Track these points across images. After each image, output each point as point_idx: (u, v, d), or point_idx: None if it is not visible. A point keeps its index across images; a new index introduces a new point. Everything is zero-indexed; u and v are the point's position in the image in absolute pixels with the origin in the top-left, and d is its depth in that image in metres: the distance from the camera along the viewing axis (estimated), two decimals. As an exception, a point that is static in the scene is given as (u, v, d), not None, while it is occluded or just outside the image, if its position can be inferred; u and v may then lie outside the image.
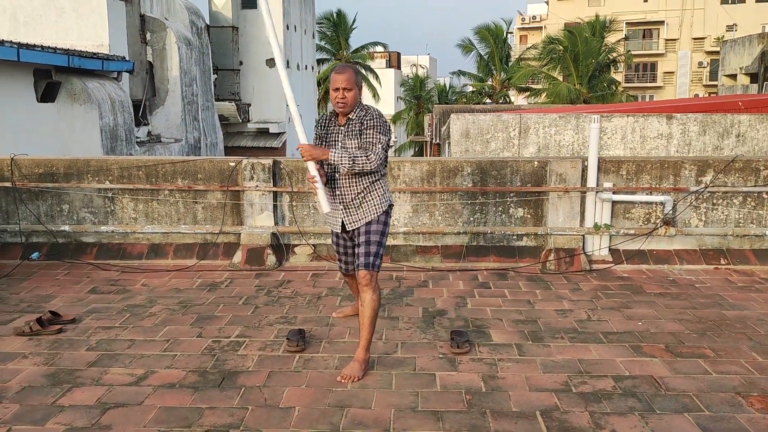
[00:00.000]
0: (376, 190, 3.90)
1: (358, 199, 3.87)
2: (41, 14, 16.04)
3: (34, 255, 6.36)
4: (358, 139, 3.80)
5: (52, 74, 13.26)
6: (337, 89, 3.74)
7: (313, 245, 6.38)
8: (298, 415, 3.33)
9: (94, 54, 14.55)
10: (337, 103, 3.76)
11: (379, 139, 3.76)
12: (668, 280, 5.68)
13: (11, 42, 12.06)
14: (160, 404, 3.45)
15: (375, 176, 3.89)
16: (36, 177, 6.47)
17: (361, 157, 3.69)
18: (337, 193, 3.89)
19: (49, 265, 6.25)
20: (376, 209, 3.89)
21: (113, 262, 6.28)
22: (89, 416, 3.32)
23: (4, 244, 6.53)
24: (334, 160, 3.69)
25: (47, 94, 13.30)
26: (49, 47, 13.12)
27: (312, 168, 3.76)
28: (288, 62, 25.52)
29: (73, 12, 15.93)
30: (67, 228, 6.47)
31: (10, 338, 4.38)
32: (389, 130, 3.85)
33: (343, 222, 3.93)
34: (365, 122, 3.78)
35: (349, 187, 3.86)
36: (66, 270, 6.09)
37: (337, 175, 3.86)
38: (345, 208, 3.90)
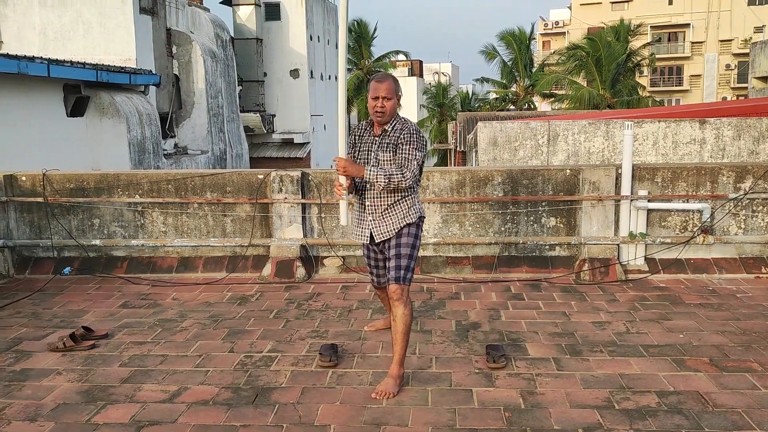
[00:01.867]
0: (405, 201, 3.84)
1: (388, 211, 3.81)
2: (70, 30, 16.32)
3: (66, 270, 6.39)
4: (392, 152, 3.74)
5: (81, 89, 13.44)
6: (376, 98, 3.69)
7: (342, 257, 6.32)
8: (334, 433, 3.27)
9: (122, 68, 14.73)
10: (376, 112, 3.70)
11: (416, 155, 3.70)
12: (708, 290, 5.52)
13: (42, 58, 12.26)
14: (194, 422, 3.41)
15: (407, 190, 3.83)
16: (67, 192, 6.52)
17: (396, 175, 3.64)
18: (368, 204, 3.83)
19: (81, 279, 6.28)
20: (404, 220, 3.82)
21: (144, 276, 6.29)
22: (124, 434, 3.29)
23: (37, 259, 6.58)
24: (369, 178, 3.63)
25: (76, 108, 13.48)
26: (77, 62, 13.31)
27: (343, 179, 3.71)
28: (312, 72, 25.67)
29: (101, 27, 16.18)
30: (98, 242, 6.50)
31: (44, 354, 4.38)
32: (425, 144, 3.79)
33: (371, 234, 3.87)
34: (402, 136, 3.72)
35: (380, 199, 3.80)
36: (97, 284, 6.12)
37: (368, 186, 3.81)
38: (373, 220, 3.83)
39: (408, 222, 3.83)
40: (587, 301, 5.31)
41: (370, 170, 3.63)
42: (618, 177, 5.98)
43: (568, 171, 6.12)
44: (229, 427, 3.36)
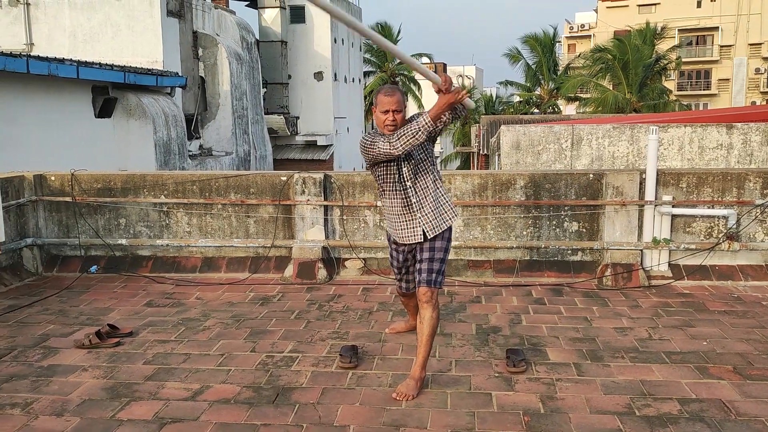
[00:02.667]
0: (444, 196, 3.89)
1: (435, 204, 3.83)
2: (99, 32, 16.60)
3: (93, 268, 6.51)
4: (423, 148, 3.80)
5: (109, 90, 13.67)
6: (387, 111, 3.70)
7: (363, 259, 6.36)
8: (353, 434, 3.30)
9: (149, 70, 14.94)
10: (387, 125, 3.71)
11: (425, 119, 3.64)
12: (733, 297, 5.46)
13: (71, 60, 12.49)
14: (216, 420, 3.46)
15: (438, 182, 3.86)
16: (95, 192, 6.64)
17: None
18: (414, 201, 3.80)
19: (107, 278, 6.39)
20: (450, 213, 3.88)
21: (168, 275, 6.38)
22: (147, 431, 3.35)
23: (65, 257, 6.71)
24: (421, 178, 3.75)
25: (104, 109, 13.71)
26: (106, 64, 13.54)
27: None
28: (335, 75, 25.79)
29: (129, 30, 16.44)
30: (124, 242, 6.61)
31: (70, 351, 4.47)
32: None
33: (423, 232, 3.85)
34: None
35: (425, 193, 3.80)
36: (123, 283, 6.22)
37: (411, 183, 3.79)
38: (422, 216, 3.82)
39: (452, 217, 3.87)
40: (609, 306, 5.27)
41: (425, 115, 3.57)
42: (642, 182, 5.93)
43: (591, 175, 6.09)
44: (250, 425, 3.40)
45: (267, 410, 3.56)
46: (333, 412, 3.52)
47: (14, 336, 4.78)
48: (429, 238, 3.85)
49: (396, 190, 3.83)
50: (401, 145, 3.58)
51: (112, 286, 6.13)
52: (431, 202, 3.83)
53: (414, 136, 3.56)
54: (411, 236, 3.88)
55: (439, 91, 3.58)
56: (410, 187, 3.80)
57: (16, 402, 3.69)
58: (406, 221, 3.87)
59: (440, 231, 3.84)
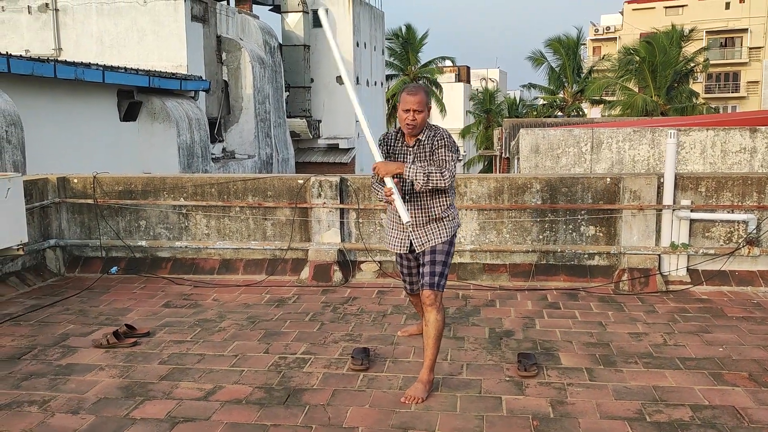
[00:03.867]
0: (448, 216, 3.88)
1: (430, 225, 3.84)
2: (125, 37, 16.88)
3: (113, 269, 6.63)
4: (428, 160, 3.78)
5: (134, 94, 13.89)
6: (408, 110, 3.72)
7: (378, 262, 6.38)
8: (362, 435, 3.32)
9: (173, 74, 15.15)
10: (407, 124, 3.74)
11: (451, 157, 3.74)
12: (752, 303, 5.38)
13: (97, 65, 12.73)
14: (227, 420, 3.50)
15: (447, 200, 3.86)
16: (116, 194, 6.76)
17: (435, 173, 3.66)
18: (413, 215, 3.85)
19: (127, 279, 6.50)
20: (445, 233, 3.86)
21: (186, 277, 6.47)
22: (159, 430, 3.41)
23: (86, 258, 6.84)
24: (408, 176, 3.67)
25: (129, 113, 13.94)
26: (131, 69, 13.76)
27: (389, 181, 3.70)
28: (357, 78, 25.87)
29: (154, 35, 16.69)
30: (143, 243, 6.72)
31: (88, 350, 4.56)
32: (458, 149, 3.81)
33: (411, 243, 3.91)
34: (435, 142, 3.76)
35: (423, 212, 3.83)
36: (142, 284, 6.32)
37: (407, 197, 3.83)
38: (414, 230, 3.87)
39: (449, 233, 3.88)
40: (625, 311, 5.23)
41: (409, 168, 3.66)
42: (660, 186, 5.88)
43: (608, 179, 6.05)
44: (260, 426, 3.44)
45: (278, 411, 3.60)
46: (343, 414, 3.55)
47: (35, 335, 4.88)
48: (416, 251, 3.90)
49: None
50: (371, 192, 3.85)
51: (131, 286, 6.23)
52: (424, 220, 3.84)
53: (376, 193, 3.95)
54: (398, 246, 3.98)
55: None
56: (408, 202, 3.83)
57: (34, 400, 3.78)
58: (397, 230, 3.95)
59: (427, 247, 3.85)
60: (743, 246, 5.80)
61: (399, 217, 3.85)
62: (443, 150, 3.75)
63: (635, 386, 3.82)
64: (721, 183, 5.87)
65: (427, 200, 3.83)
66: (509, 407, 3.59)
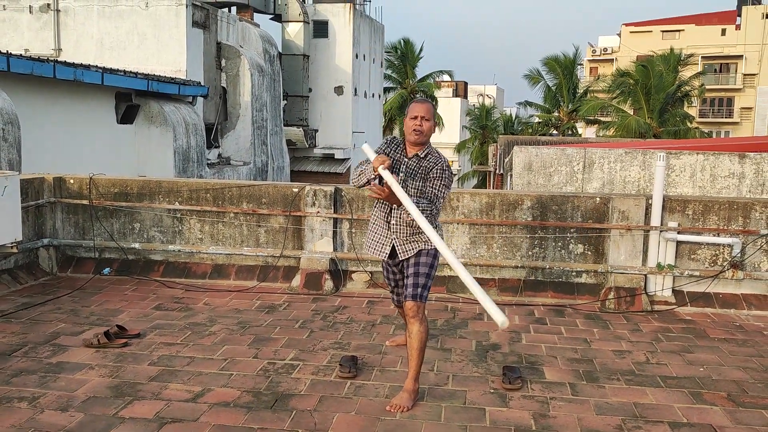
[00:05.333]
0: (433, 223, 3.94)
1: (413, 235, 3.90)
2: (125, 40, 16.97)
3: (106, 270, 6.67)
4: (422, 181, 3.84)
5: (132, 97, 13.96)
6: (415, 117, 3.81)
7: (370, 272, 6.45)
8: (346, 441, 3.38)
9: (172, 79, 15.23)
10: (414, 130, 3.81)
11: (444, 193, 3.85)
12: (734, 325, 5.48)
13: (96, 67, 12.79)
14: (215, 422, 3.56)
15: (431, 208, 3.93)
16: (111, 196, 6.82)
17: (426, 210, 3.74)
18: (393, 222, 3.92)
19: (119, 280, 6.54)
20: (427, 243, 3.91)
21: (178, 280, 6.52)
22: (147, 429, 3.46)
23: (79, 259, 6.88)
24: (404, 207, 3.70)
25: (126, 115, 14.00)
26: (130, 72, 13.83)
27: (387, 174, 3.65)
28: (356, 89, 26.03)
29: (154, 39, 16.79)
30: (137, 245, 6.77)
31: (79, 349, 4.61)
32: (452, 182, 3.90)
33: (394, 248, 3.94)
34: (435, 171, 3.82)
35: (406, 224, 3.88)
36: (134, 286, 6.37)
37: (394, 208, 3.89)
38: (397, 239, 3.92)
39: (432, 245, 3.91)
40: (610, 329, 5.32)
41: (408, 203, 3.65)
42: (648, 207, 5.99)
43: (597, 199, 6.15)
44: (247, 428, 3.49)
45: (264, 415, 3.66)
46: (329, 420, 3.61)
47: (26, 333, 4.92)
48: (399, 257, 3.93)
49: (384, 208, 3.95)
50: (354, 178, 3.93)
51: (123, 288, 6.28)
52: (405, 231, 3.89)
53: (356, 180, 3.92)
54: (378, 250, 4.01)
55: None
56: (394, 210, 3.89)
57: (23, 396, 3.82)
58: (380, 236, 3.99)
59: (410, 255, 3.91)
60: (728, 269, 5.91)
61: (383, 224, 3.93)
62: (439, 183, 3.83)
63: (616, 402, 3.90)
64: (708, 206, 5.99)
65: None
66: (492, 418, 3.66)
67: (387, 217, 3.94)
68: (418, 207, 3.66)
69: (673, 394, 4.04)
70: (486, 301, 3.47)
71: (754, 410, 3.81)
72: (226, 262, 6.71)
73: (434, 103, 38.58)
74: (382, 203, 3.94)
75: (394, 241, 3.93)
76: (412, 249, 3.92)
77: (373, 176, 3.73)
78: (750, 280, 5.93)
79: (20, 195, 6.04)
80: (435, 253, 3.94)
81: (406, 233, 3.91)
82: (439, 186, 3.83)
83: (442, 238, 3.95)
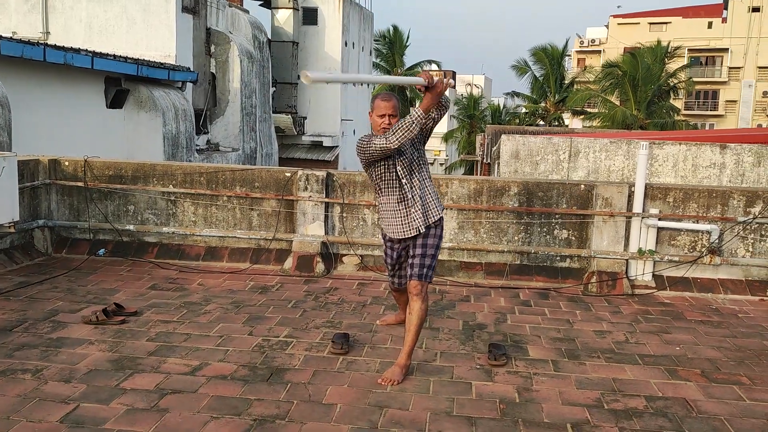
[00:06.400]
0: (434, 192, 4.14)
1: (426, 192, 4.08)
2: (114, 24, 16.92)
3: (101, 251, 6.78)
4: (421, 142, 4.09)
5: (121, 82, 13.96)
6: (383, 116, 3.97)
7: (360, 256, 6.61)
8: (340, 411, 3.55)
9: (162, 64, 15.24)
10: (384, 128, 3.98)
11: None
12: (711, 308, 5.70)
13: (86, 51, 12.79)
14: (213, 393, 3.71)
15: (428, 180, 4.14)
16: (106, 178, 6.91)
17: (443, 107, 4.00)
18: (410, 196, 4.03)
19: (114, 261, 6.66)
20: (439, 211, 4.12)
21: (172, 262, 6.64)
22: (148, 400, 3.61)
23: (74, 240, 6.98)
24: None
25: (116, 100, 14.02)
26: (120, 56, 13.83)
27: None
28: (345, 78, 25.99)
29: (144, 23, 16.75)
30: (131, 227, 6.88)
31: (78, 326, 4.73)
32: None
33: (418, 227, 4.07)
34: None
35: (419, 184, 4.05)
36: (129, 267, 6.48)
37: (404, 178, 4.02)
38: (416, 210, 4.04)
39: (441, 213, 4.13)
40: (592, 311, 5.52)
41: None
42: (631, 194, 6.18)
43: (582, 186, 6.34)
44: (244, 399, 3.65)
45: (261, 387, 3.82)
46: (322, 392, 3.78)
47: (25, 310, 5.04)
48: (422, 232, 4.08)
49: (393, 187, 4.06)
50: (396, 139, 3.80)
51: (118, 269, 6.40)
52: (424, 197, 4.08)
53: (408, 129, 3.78)
54: (407, 230, 4.09)
55: (425, 90, 3.80)
56: (406, 184, 4.04)
57: (27, 368, 3.95)
58: (402, 216, 4.09)
59: (431, 222, 4.07)
60: (706, 255, 6.12)
61: (400, 204, 4.05)
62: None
63: (596, 378, 4.10)
64: (688, 194, 6.20)
65: (425, 183, 4.09)
66: (478, 392, 3.85)
67: (402, 195, 4.04)
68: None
69: (649, 370, 4.24)
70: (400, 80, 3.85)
71: (726, 385, 4.02)
72: (219, 245, 6.84)
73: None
74: (390, 187, 4.04)
75: (416, 216, 4.04)
76: (435, 213, 4.09)
77: (423, 117, 3.78)
78: (727, 266, 6.16)
79: (17, 176, 6.12)
80: (441, 234, 4.16)
81: (424, 202, 4.05)
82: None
83: (439, 203, 4.17)
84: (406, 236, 4.12)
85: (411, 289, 4.03)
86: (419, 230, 4.08)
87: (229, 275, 6.31)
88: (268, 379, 3.92)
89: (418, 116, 3.78)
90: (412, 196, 4.06)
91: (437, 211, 4.13)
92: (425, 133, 4.08)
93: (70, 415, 3.40)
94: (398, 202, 4.08)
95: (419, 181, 4.07)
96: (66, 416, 3.39)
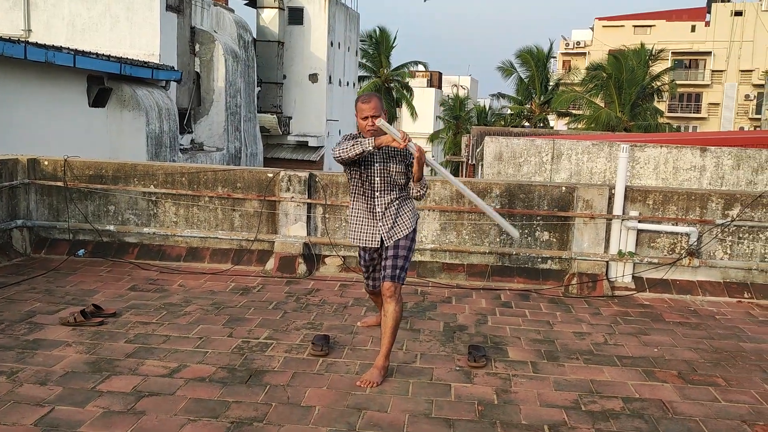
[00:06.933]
0: (410, 203, 4.17)
1: (398, 214, 4.10)
2: (97, 23, 16.77)
3: (80, 252, 6.72)
4: (404, 165, 4.06)
5: (104, 80, 13.85)
6: (366, 118, 3.97)
7: (342, 257, 6.61)
8: (318, 414, 3.54)
9: (145, 63, 15.13)
10: (368, 129, 3.98)
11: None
12: (689, 310, 5.75)
13: (69, 49, 12.67)
14: (191, 396, 3.69)
15: (406, 199, 4.15)
16: (86, 178, 6.85)
17: (425, 188, 4.11)
18: (379, 210, 4.09)
19: (93, 262, 6.60)
20: (411, 222, 4.14)
21: (153, 263, 6.60)
22: (125, 402, 3.58)
23: (53, 240, 6.92)
24: (423, 185, 4.08)
25: (99, 99, 13.89)
26: (103, 55, 13.72)
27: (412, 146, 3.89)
28: (330, 77, 26.04)
29: (128, 22, 16.62)
30: (111, 228, 6.83)
31: (55, 327, 4.69)
32: None
33: (382, 238, 4.13)
34: (407, 155, 4.04)
35: (392, 205, 4.08)
36: (109, 268, 6.43)
37: (379, 194, 4.06)
38: (384, 225, 4.09)
39: (414, 224, 4.16)
40: (572, 312, 5.55)
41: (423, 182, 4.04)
42: (611, 197, 6.23)
43: (563, 188, 6.38)
44: (223, 402, 3.64)
45: (239, 389, 3.80)
46: (301, 394, 3.77)
47: (1, 311, 4.98)
48: (385, 245, 4.13)
49: (364, 196, 4.11)
50: (337, 152, 3.96)
51: (97, 269, 6.34)
52: (392, 214, 4.10)
53: (347, 150, 3.91)
54: (370, 240, 4.17)
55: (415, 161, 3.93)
56: (378, 197, 4.08)
57: (2, 370, 3.91)
58: (367, 226, 4.15)
59: (395, 239, 4.11)
60: (685, 257, 6.18)
61: (367, 213, 4.10)
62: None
63: (574, 379, 4.12)
64: (668, 197, 6.25)
65: (396, 202, 4.09)
66: (457, 393, 3.86)
67: (371, 207, 4.10)
68: (426, 188, 4.07)
69: (627, 372, 4.27)
70: (498, 218, 4.32)
71: (702, 387, 4.07)
72: (201, 245, 6.80)
73: (407, 92, 38.79)
74: (364, 194, 4.10)
75: (381, 228, 4.10)
76: (398, 232, 4.11)
77: (370, 148, 3.85)
78: (705, 268, 6.22)
79: (-6, 176, 6.05)
80: (414, 237, 4.17)
81: (392, 219, 4.09)
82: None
83: (417, 215, 4.21)
84: (367, 245, 4.19)
85: (384, 291, 4.03)
86: (382, 243, 4.14)
87: (210, 276, 6.28)
88: (247, 381, 3.91)
89: (363, 146, 3.86)
90: (381, 211, 4.09)
91: (406, 226, 4.13)
92: (396, 160, 4.08)
93: (45, 418, 3.37)
94: (367, 212, 4.13)
95: (392, 199, 4.08)
96: (41, 419, 3.35)
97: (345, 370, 4.14)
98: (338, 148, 3.97)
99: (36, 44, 11.95)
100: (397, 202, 4.11)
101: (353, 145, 3.89)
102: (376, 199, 4.09)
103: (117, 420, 3.38)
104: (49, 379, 3.82)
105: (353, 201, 4.20)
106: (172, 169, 6.85)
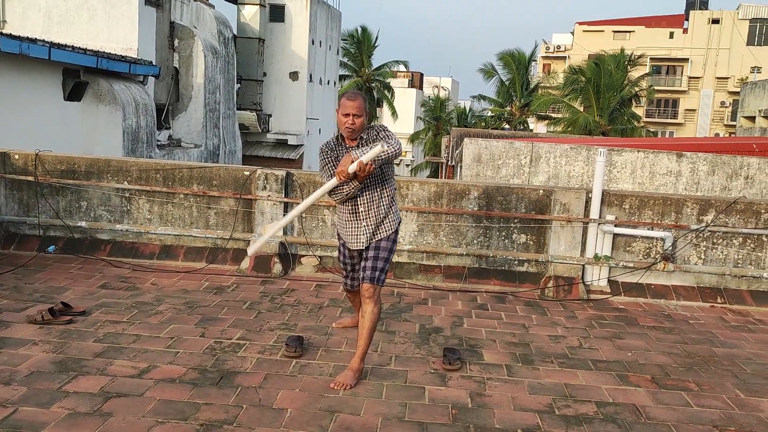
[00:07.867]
0: (394, 205, 4.14)
1: (382, 215, 4.07)
2: (74, 15, 16.50)
3: (51, 248, 6.58)
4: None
5: (80, 74, 13.62)
6: (347, 114, 3.92)
7: (319, 257, 6.55)
8: (290, 416, 3.49)
9: (123, 57, 14.92)
10: (347, 127, 3.94)
11: (391, 135, 3.95)
12: (663, 314, 5.79)
13: (44, 41, 12.44)
14: (160, 397, 3.62)
15: (393, 193, 4.12)
16: (58, 173, 6.72)
17: (384, 145, 3.79)
18: (362, 210, 4.05)
19: (64, 258, 6.47)
20: (394, 223, 4.13)
21: (125, 260, 6.49)
22: (92, 403, 3.50)
23: (23, 236, 6.77)
24: (366, 159, 3.74)
25: (74, 93, 13.65)
26: (79, 48, 13.49)
27: (354, 166, 3.77)
28: (311, 76, 25.93)
29: (105, 14, 16.37)
30: (83, 224, 6.70)
31: (22, 325, 4.58)
32: (398, 141, 4.02)
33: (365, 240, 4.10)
34: (380, 135, 3.96)
35: (376, 205, 4.04)
36: (80, 264, 6.31)
37: (361, 194, 4.02)
38: (367, 225, 4.07)
39: (396, 226, 4.13)
40: (547, 315, 5.55)
41: (360, 153, 3.77)
42: (588, 201, 6.25)
43: (541, 191, 6.38)
44: (192, 404, 3.57)
45: (210, 391, 3.73)
46: (273, 396, 3.71)
47: (-33, 308, 4.86)
48: (368, 246, 4.10)
49: (348, 199, 4.06)
50: (337, 199, 4.05)
51: (68, 266, 6.22)
52: (374, 214, 4.06)
53: (340, 194, 3.98)
54: (355, 242, 4.15)
55: (353, 178, 3.86)
56: (359, 197, 4.04)
57: (-36, 369, 3.80)
58: (352, 227, 4.13)
59: (378, 239, 4.08)
60: (660, 261, 6.22)
61: (351, 215, 4.06)
62: (383, 133, 3.97)
63: (549, 383, 4.12)
64: (644, 201, 6.28)
65: (377, 201, 4.04)
66: (431, 396, 3.83)
67: (354, 208, 4.07)
68: (382, 147, 3.76)
69: (601, 376, 4.28)
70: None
71: (675, 391, 4.08)
72: (175, 243, 6.70)
73: (387, 91, 38.78)
74: (346, 201, 4.07)
75: (365, 230, 4.06)
76: (382, 233, 4.08)
77: (343, 180, 3.84)
78: (680, 273, 6.26)
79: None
80: (395, 239, 4.14)
81: (374, 221, 4.06)
82: (385, 135, 3.93)
83: (399, 218, 4.13)
84: (353, 248, 4.17)
85: (363, 292, 3.99)
86: (365, 245, 4.10)
87: (183, 275, 6.18)
88: (218, 383, 3.84)
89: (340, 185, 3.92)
90: (364, 210, 4.06)
91: (388, 227, 4.11)
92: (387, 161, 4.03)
93: (7, 419, 3.27)
94: (351, 214, 4.10)
95: (373, 198, 4.05)
96: (3, 420, 3.26)
97: (318, 371, 4.09)
98: (331, 188, 3.97)
99: (10, 35, 11.71)
100: (380, 201, 4.06)
101: (321, 189, 3.97)
102: (357, 198, 4.04)
103: (83, 422, 3.30)
104: (14, 379, 3.72)
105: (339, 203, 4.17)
106: (147, 165, 6.74)
